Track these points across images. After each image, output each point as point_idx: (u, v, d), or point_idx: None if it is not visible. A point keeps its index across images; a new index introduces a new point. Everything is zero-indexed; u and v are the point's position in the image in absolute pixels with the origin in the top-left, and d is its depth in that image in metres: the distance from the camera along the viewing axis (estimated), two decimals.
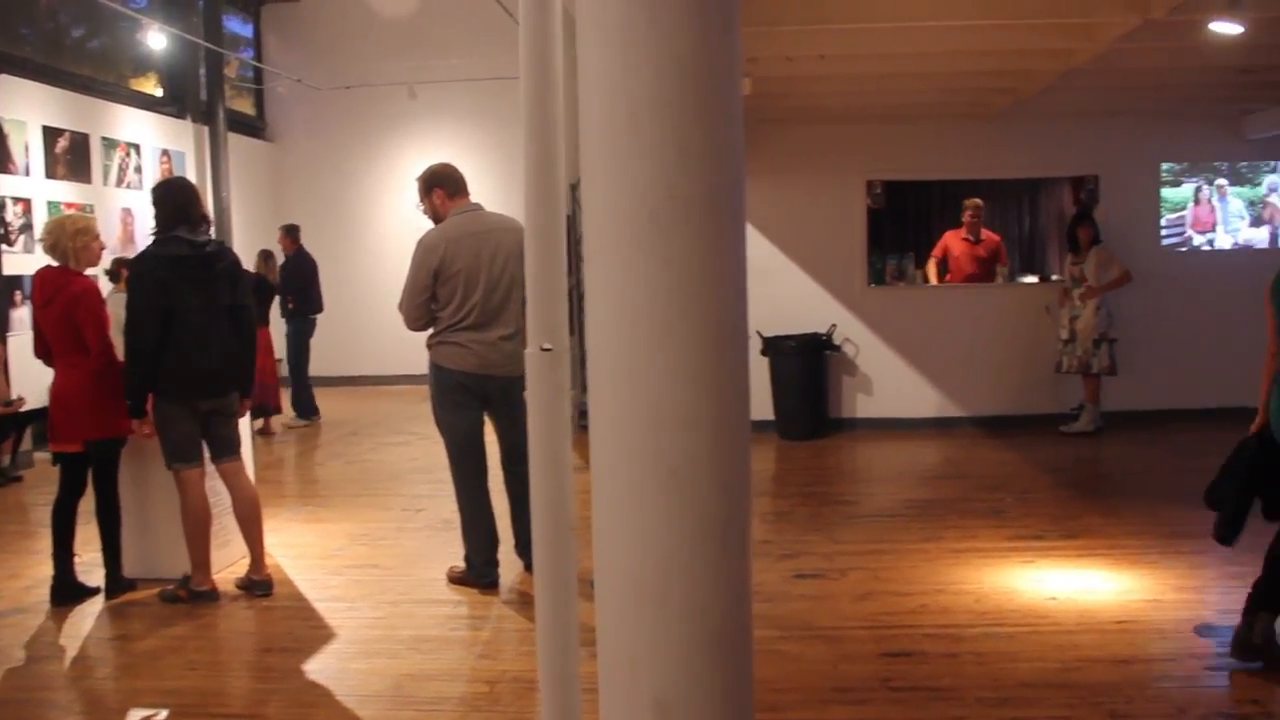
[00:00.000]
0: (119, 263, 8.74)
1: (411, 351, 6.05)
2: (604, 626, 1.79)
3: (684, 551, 1.65)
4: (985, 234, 10.69)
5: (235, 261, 5.68)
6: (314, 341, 11.53)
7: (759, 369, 9.88)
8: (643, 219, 1.53)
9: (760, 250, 10.12)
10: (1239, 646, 4.51)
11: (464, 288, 5.41)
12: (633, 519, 1.65)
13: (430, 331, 5.59)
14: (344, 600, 5.54)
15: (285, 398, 11.31)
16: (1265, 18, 6.15)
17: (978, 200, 10.59)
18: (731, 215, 1.56)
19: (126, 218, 11.49)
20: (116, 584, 5.64)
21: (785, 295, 10.08)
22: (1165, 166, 10.57)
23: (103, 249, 5.88)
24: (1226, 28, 5.65)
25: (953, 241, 10.63)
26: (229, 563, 5.96)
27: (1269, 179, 10.67)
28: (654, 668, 1.73)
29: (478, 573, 5.63)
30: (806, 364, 9.81)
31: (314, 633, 5.08)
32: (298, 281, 11.24)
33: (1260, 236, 10.68)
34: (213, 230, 6.61)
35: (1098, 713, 4.03)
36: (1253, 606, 4.54)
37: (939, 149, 10.25)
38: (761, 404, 9.94)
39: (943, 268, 10.73)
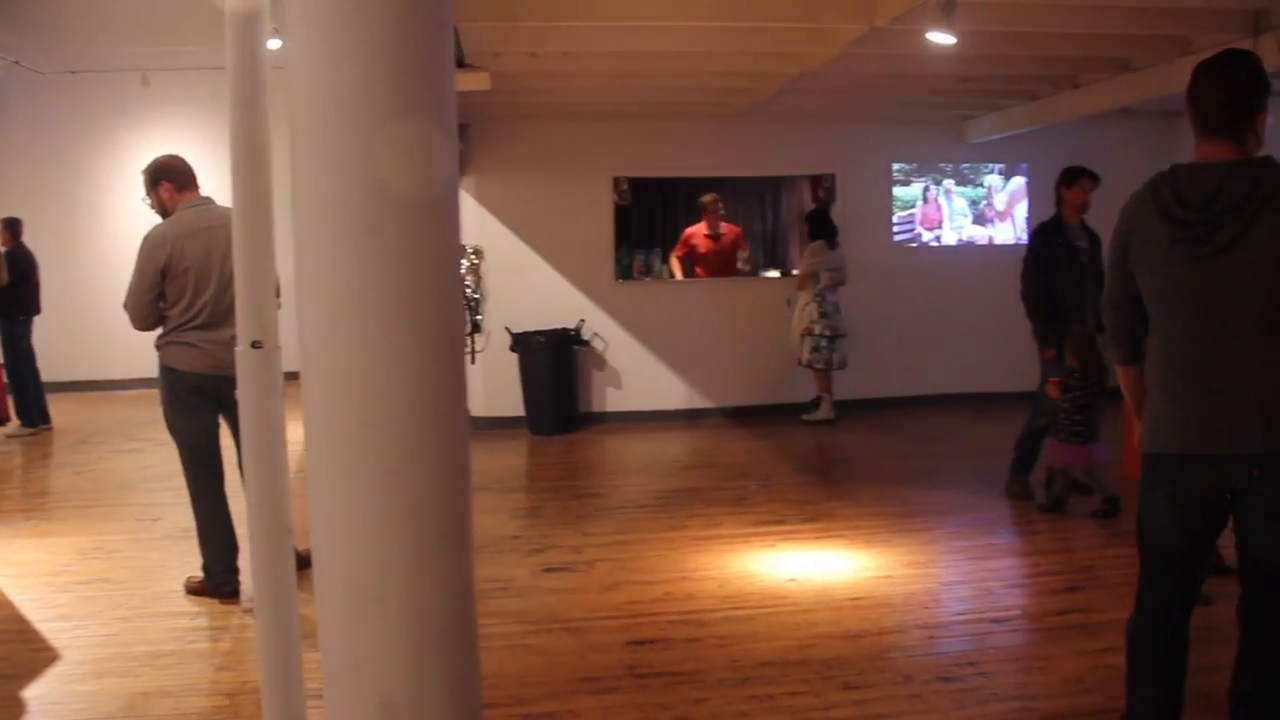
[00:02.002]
0: None
1: (146, 354, 5.74)
2: (326, 629, 1.75)
3: (403, 551, 1.63)
4: (725, 226, 11.02)
5: None
6: (41, 346, 10.80)
7: (508, 365, 9.88)
8: (352, 215, 1.50)
9: (508, 246, 10.13)
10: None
11: (194, 285, 5.19)
12: (349, 519, 1.63)
13: (159, 332, 5.34)
14: (71, 619, 5.21)
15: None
16: (978, 31, 6.56)
17: (713, 194, 10.88)
18: (444, 212, 1.55)
19: None
20: None
21: (534, 291, 10.12)
22: (896, 166, 11.14)
23: None
24: (941, 38, 5.98)
25: (696, 238, 10.90)
26: None
27: (988, 179, 11.40)
28: (378, 669, 1.71)
29: (217, 581, 5.42)
30: (556, 359, 9.86)
31: (36, 656, 4.76)
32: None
33: (981, 233, 11.40)
34: None
35: (832, 685, 4.22)
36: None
37: (684, 146, 10.48)
38: (512, 400, 9.96)
39: (689, 262, 10.99)
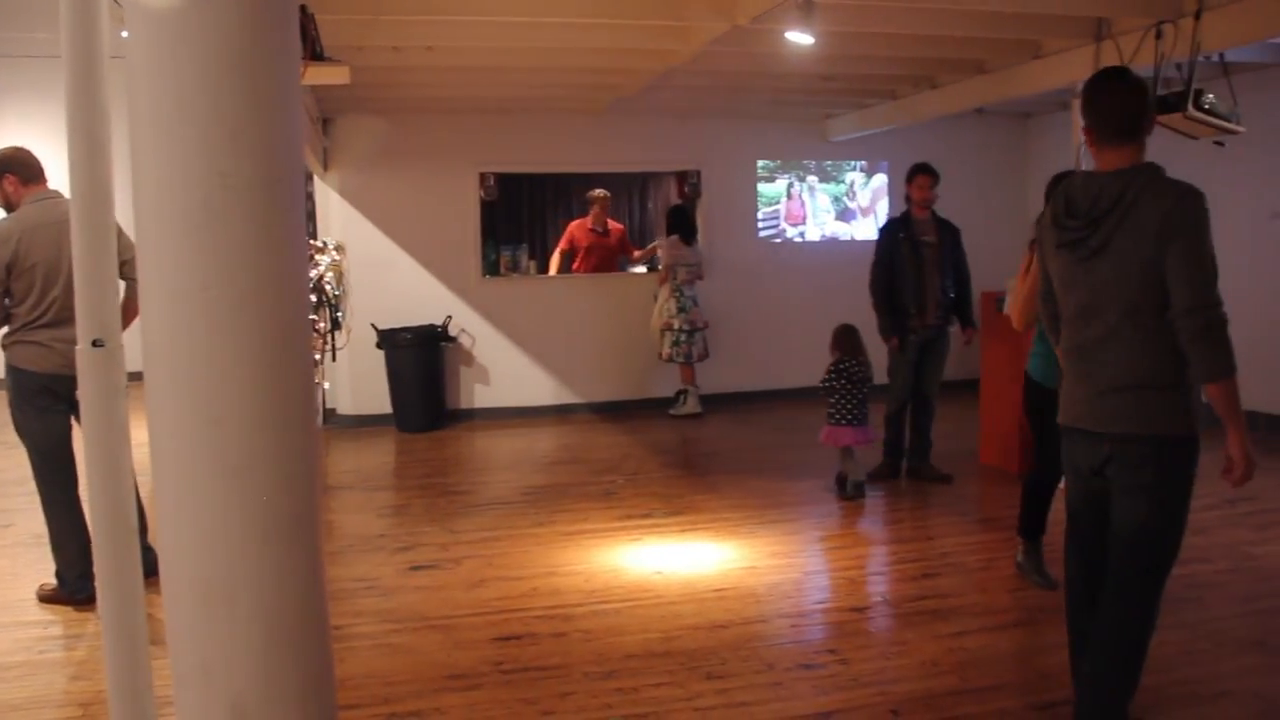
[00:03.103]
0: None
1: None
2: (174, 631, 1.72)
3: (251, 551, 1.62)
4: (611, 224, 11.09)
5: None
6: None
7: (375, 362, 9.76)
8: (194, 208, 1.48)
9: (373, 242, 10.01)
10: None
11: (43, 282, 5.02)
12: (196, 519, 1.61)
13: (5, 330, 5.14)
14: None
15: None
16: (837, 32, 6.71)
17: (604, 192, 10.96)
18: (289, 205, 1.54)
19: None
20: None
21: (400, 287, 10.02)
22: (761, 163, 11.30)
23: None
24: (800, 38, 6.09)
25: (579, 233, 10.92)
26: None
27: (849, 176, 11.64)
28: (228, 671, 1.69)
29: (71, 588, 5.24)
30: (423, 356, 9.77)
31: None
32: None
33: (845, 230, 11.63)
34: None
35: (695, 676, 4.27)
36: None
37: (550, 142, 10.48)
38: (379, 397, 9.85)
39: (568, 258, 11.01)
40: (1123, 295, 3.29)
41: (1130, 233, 3.22)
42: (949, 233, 7.47)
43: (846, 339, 7.18)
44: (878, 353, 7.46)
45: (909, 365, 7.48)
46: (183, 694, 1.74)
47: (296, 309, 1.57)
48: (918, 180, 7.41)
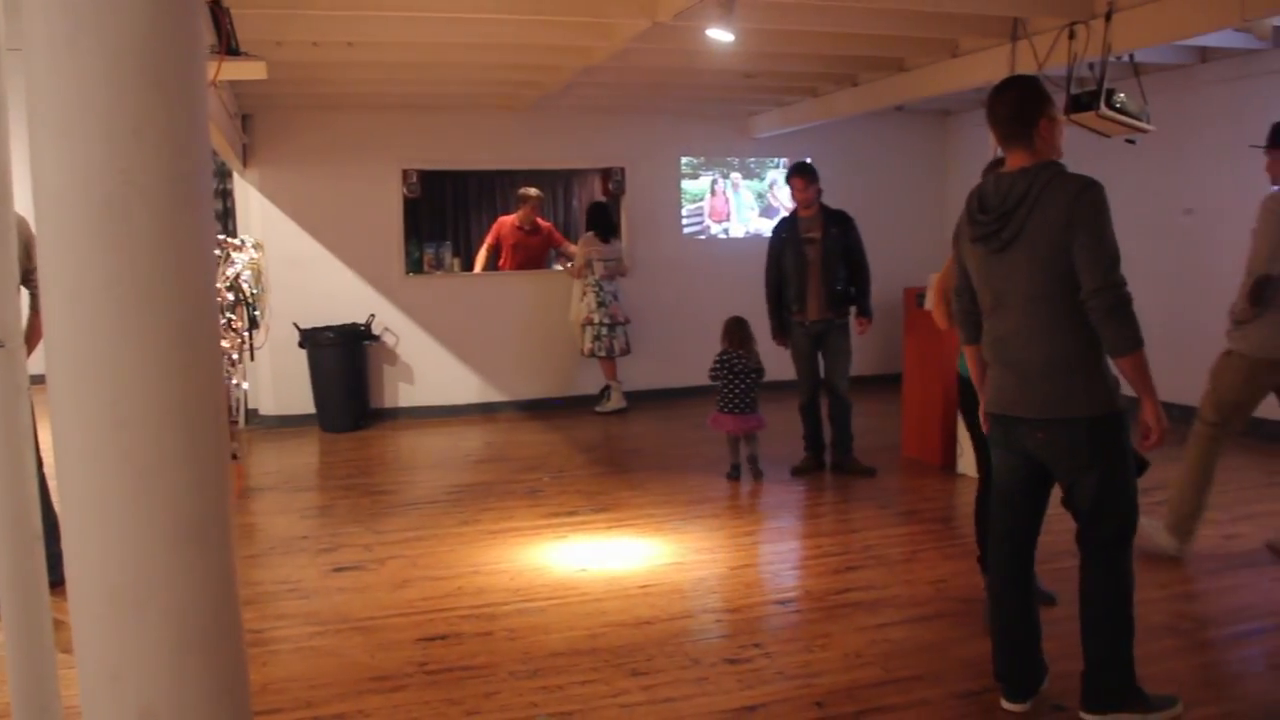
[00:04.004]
0: None
1: None
2: (81, 639, 1.68)
3: (160, 554, 1.58)
4: (540, 222, 11.08)
5: None
6: None
7: (297, 361, 9.64)
8: (97, 206, 1.45)
9: (295, 240, 9.88)
10: None
11: None
12: (102, 523, 1.57)
13: None
14: None
15: None
16: (759, 29, 6.75)
17: (536, 192, 10.95)
18: (196, 203, 1.51)
19: None
20: None
21: (322, 286, 9.89)
22: (685, 160, 11.33)
23: None
24: (720, 35, 6.11)
25: (506, 230, 10.87)
26: None
27: (771, 173, 11.71)
28: (138, 677, 1.66)
29: None
30: (346, 355, 9.66)
31: None
32: None
33: (768, 226, 11.69)
34: None
35: (621, 673, 4.27)
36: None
37: (474, 139, 10.42)
38: (302, 397, 9.72)
39: (494, 254, 10.96)
40: (1036, 283, 3.52)
41: (1039, 224, 3.47)
42: (838, 225, 7.53)
43: (732, 331, 7.50)
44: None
45: (805, 358, 7.69)
46: (91, 702, 1.71)
47: (203, 307, 1.54)
48: (793, 183, 7.61)
